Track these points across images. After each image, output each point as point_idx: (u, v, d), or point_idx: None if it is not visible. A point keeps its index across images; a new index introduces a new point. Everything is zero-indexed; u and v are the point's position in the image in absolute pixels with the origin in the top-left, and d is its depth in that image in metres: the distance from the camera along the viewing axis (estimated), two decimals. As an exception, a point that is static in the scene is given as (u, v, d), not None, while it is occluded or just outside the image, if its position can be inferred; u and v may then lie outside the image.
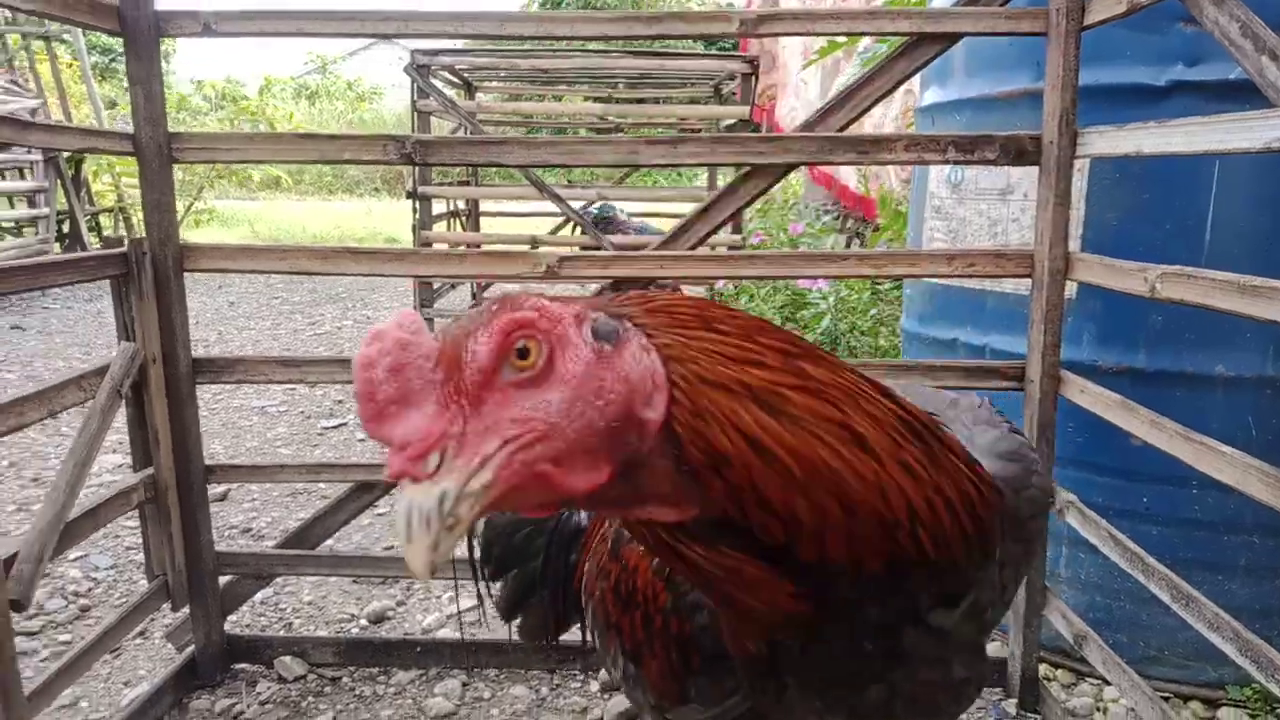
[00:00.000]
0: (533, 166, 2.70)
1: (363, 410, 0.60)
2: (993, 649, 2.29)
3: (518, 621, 1.46)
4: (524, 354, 0.61)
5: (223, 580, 2.16)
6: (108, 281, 1.90)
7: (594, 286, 2.08)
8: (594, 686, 2.13)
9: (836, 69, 7.20)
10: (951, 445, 0.77)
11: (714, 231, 2.10)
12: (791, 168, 2.05)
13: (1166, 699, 2.00)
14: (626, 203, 6.64)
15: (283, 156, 2.16)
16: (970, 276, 2.00)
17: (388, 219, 13.62)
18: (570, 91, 8.69)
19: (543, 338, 0.61)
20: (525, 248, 4.74)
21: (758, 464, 0.63)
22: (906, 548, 0.69)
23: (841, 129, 1.97)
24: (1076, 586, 2.16)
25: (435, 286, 5.97)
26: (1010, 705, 2.06)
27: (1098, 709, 2.08)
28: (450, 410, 0.59)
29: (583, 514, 1.33)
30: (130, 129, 1.95)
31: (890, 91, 2.00)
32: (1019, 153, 1.92)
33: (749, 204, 2.07)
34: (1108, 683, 2.02)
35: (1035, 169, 1.92)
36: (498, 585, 1.47)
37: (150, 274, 1.93)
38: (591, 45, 5.89)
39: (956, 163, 2.05)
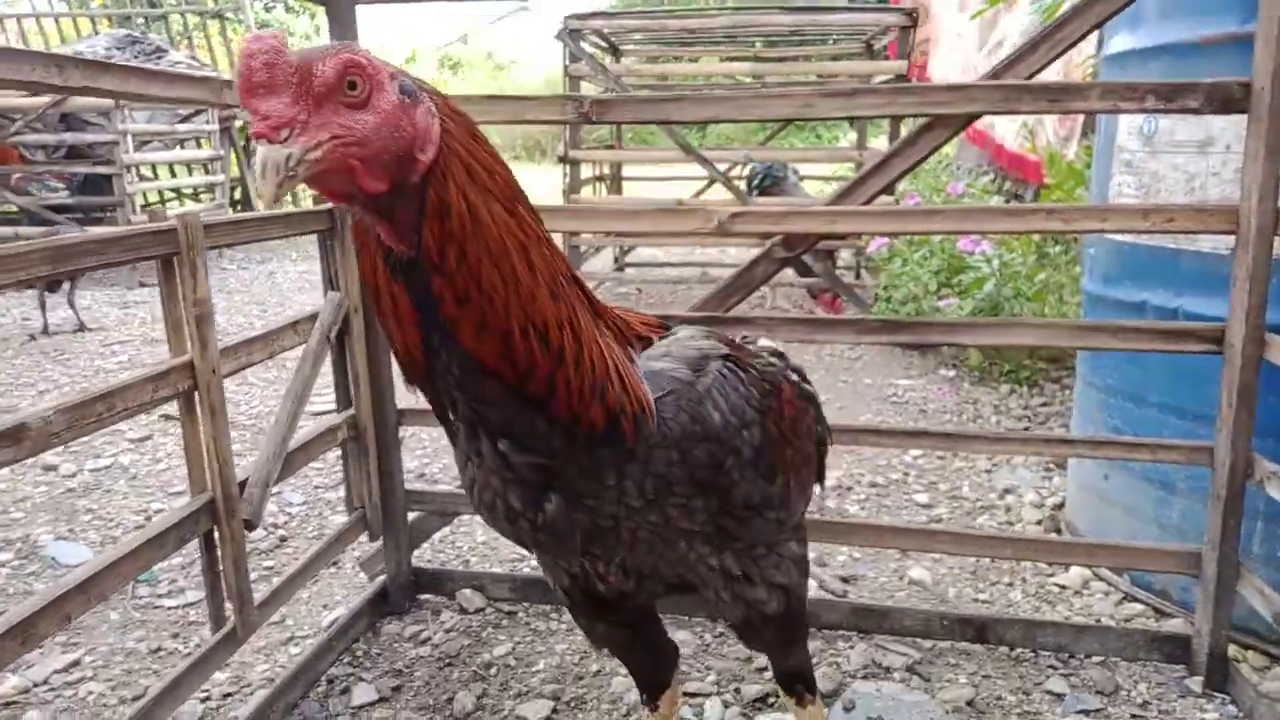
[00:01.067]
0: (706, 122, 2.73)
1: (240, 85, 0.85)
2: (1175, 625, 2.20)
3: None
4: (353, 85, 0.87)
5: (410, 516, 2.31)
6: (274, 245, 2.05)
7: (766, 243, 2.09)
8: (756, 636, 2.17)
9: (994, 21, 6.86)
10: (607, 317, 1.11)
11: (888, 187, 2.07)
12: (975, 118, 2.00)
13: (1377, 686, 1.88)
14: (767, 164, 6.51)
15: (471, 116, 2.25)
16: (1167, 232, 1.90)
17: (527, 184, 13.94)
18: (707, 52, 8.60)
19: (366, 79, 0.88)
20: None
21: (468, 222, 0.93)
22: (494, 292, 0.94)
23: (1028, 78, 1.91)
24: (1273, 565, 2.04)
25: (581, 250, 6.10)
26: (1195, 683, 1.97)
27: (1294, 693, 1.97)
28: (300, 105, 0.85)
29: None
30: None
31: (1083, 37, 1.91)
32: (1225, 100, 1.80)
33: (928, 156, 2.03)
34: (1309, 666, 1.91)
35: (1240, 120, 1.80)
36: None
37: (351, 230, 2.06)
38: (732, 2, 5.77)
39: (1155, 111, 1.94)
